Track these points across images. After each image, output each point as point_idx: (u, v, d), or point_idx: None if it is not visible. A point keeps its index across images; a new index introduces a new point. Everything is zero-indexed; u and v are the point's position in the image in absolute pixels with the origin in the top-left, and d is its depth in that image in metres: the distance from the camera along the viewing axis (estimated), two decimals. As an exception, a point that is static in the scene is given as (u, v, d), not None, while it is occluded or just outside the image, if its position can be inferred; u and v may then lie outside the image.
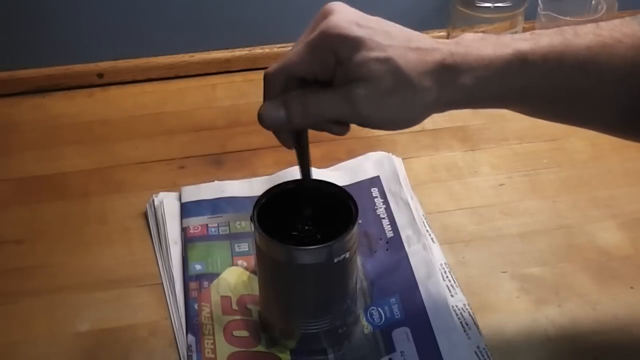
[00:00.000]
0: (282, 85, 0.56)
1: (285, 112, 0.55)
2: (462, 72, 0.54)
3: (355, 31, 0.53)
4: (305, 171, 0.61)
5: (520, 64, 0.53)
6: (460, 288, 0.70)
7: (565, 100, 0.56)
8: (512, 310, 0.68)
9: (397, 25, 0.56)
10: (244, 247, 0.74)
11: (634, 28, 0.55)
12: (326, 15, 0.55)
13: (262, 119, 0.56)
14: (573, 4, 0.94)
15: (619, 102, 0.56)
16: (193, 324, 0.67)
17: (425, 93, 0.54)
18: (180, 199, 0.79)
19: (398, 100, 0.54)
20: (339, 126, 0.58)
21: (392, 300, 0.68)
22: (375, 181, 0.80)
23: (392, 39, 0.54)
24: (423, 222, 0.76)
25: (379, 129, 0.57)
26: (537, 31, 0.56)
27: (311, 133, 0.60)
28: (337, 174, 0.81)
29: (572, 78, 0.54)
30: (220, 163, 0.86)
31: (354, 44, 0.53)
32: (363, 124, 0.56)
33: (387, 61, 0.53)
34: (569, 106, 0.57)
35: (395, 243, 0.73)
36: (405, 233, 0.74)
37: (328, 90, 0.55)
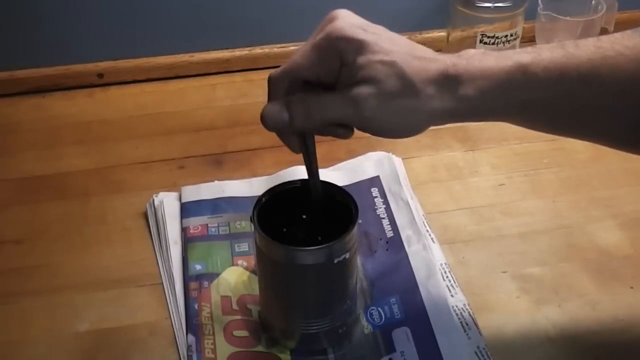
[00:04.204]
0: (286, 88, 0.56)
1: (288, 113, 0.55)
2: (464, 82, 0.54)
3: (360, 34, 0.54)
4: (313, 175, 0.61)
5: (522, 75, 0.53)
6: (460, 288, 0.70)
7: (566, 113, 0.56)
8: (512, 310, 0.68)
9: (400, 36, 0.56)
10: (244, 247, 0.74)
11: (635, 41, 0.54)
12: (331, 20, 0.55)
13: (264, 120, 0.56)
14: (573, 4, 0.94)
15: (623, 116, 0.55)
16: (193, 324, 0.67)
17: (429, 101, 0.54)
18: (180, 199, 0.79)
19: (402, 105, 0.54)
20: (343, 130, 0.57)
21: (392, 300, 0.68)
22: (375, 181, 0.80)
23: (396, 46, 0.54)
24: (423, 222, 0.76)
25: (380, 134, 0.57)
26: (538, 45, 0.56)
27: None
28: (337, 174, 0.81)
29: (574, 91, 0.54)
30: (220, 163, 0.86)
31: (359, 46, 0.54)
32: (365, 127, 0.56)
33: (391, 64, 0.53)
34: (571, 120, 0.56)
35: (395, 243, 0.73)
36: (405, 233, 0.74)
37: (332, 92, 0.55)
